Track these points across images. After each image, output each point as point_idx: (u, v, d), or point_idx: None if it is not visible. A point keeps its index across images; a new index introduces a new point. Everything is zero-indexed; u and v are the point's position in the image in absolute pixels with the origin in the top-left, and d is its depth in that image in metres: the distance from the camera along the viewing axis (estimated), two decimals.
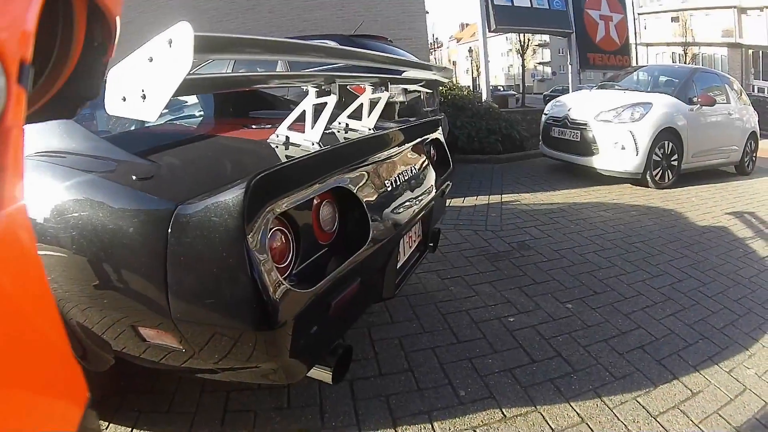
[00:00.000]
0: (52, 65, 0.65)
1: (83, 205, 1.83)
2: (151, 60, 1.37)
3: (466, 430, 2.25)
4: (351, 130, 2.69)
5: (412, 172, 2.63)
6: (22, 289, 0.47)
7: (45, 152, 2.18)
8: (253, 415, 2.36)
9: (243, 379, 1.88)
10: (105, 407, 2.39)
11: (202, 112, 4.04)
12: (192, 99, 4.24)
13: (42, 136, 2.27)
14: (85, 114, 3.39)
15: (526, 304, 3.47)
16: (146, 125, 3.72)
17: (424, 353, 2.83)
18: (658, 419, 2.35)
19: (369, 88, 2.68)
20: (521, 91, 37.11)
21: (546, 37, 48.12)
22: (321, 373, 1.89)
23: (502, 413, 2.35)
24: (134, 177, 1.79)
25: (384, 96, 2.73)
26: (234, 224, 1.47)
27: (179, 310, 1.59)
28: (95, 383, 2.35)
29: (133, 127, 3.65)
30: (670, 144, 7.65)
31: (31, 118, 0.66)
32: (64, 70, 0.67)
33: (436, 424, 2.28)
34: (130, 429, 2.27)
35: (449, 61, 76.68)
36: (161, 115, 4.02)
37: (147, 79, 1.38)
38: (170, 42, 1.32)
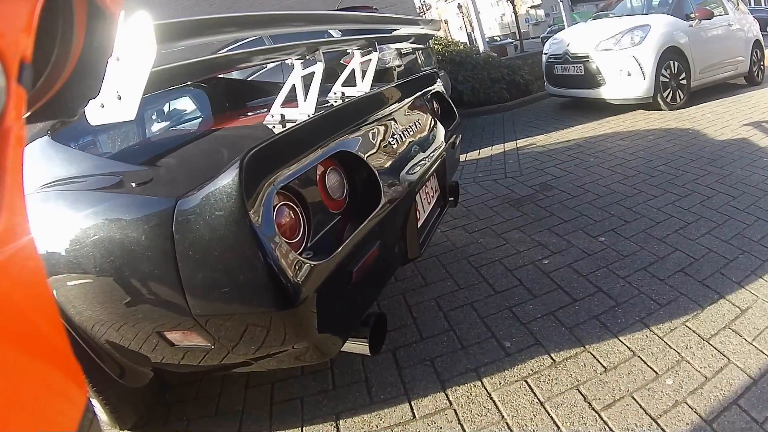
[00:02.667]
0: (52, 65, 0.65)
1: (96, 224, 1.83)
2: (118, 59, 1.34)
3: (516, 381, 2.20)
4: (347, 98, 2.61)
5: (417, 128, 2.55)
6: (22, 289, 0.47)
7: (51, 183, 2.19)
8: (300, 402, 2.35)
9: (280, 365, 1.84)
10: (153, 421, 2.40)
11: (199, 114, 4.04)
12: (189, 105, 4.26)
13: (45, 168, 2.28)
14: (87, 140, 3.42)
15: (558, 244, 3.41)
16: (147, 137, 3.75)
17: (462, 310, 2.78)
18: (710, 342, 2.28)
19: (357, 53, 2.60)
20: (518, 38, 36.68)
21: None
22: (357, 346, 1.84)
23: (551, 358, 2.31)
24: (133, 184, 1.77)
25: (374, 57, 2.65)
26: (234, 206, 1.41)
27: (198, 306, 1.56)
28: (138, 400, 2.37)
29: (133, 142, 3.67)
30: (676, 63, 7.48)
31: (31, 118, 0.67)
32: (64, 70, 0.67)
33: (485, 380, 2.24)
34: None
35: (440, 20, 76.22)
36: (161, 125, 4.07)
37: (119, 80, 1.35)
38: (131, 35, 1.30)
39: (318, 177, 1.81)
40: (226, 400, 2.46)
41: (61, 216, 2.05)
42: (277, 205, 1.57)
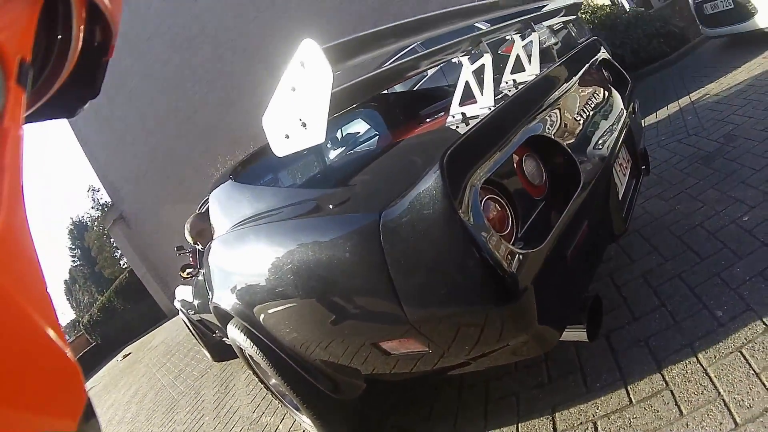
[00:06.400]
0: (51, 65, 0.66)
1: (294, 251, 1.91)
2: (294, 89, 1.40)
3: (730, 353, 2.04)
4: (520, 83, 2.56)
5: (595, 99, 2.46)
6: (20, 291, 0.47)
7: (242, 221, 2.32)
8: (515, 399, 2.34)
9: (496, 362, 1.82)
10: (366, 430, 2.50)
11: (376, 132, 4.13)
12: (363, 126, 4.38)
13: (234, 209, 2.42)
14: (270, 177, 3.61)
15: (755, 197, 3.13)
16: (330, 164, 3.89)
17: (671, 283, 2.64)
18: None
19: (517, 38, 2.55)
20: None
21: None
22: (575, 334, 1.78)
23: (764, 323, 2.11)
24: (330, 206, 1.83)
25: (534, 38, 2.60)
26: (442, 206, 1.41)
27: (414, 312, 1.57)
28: (349, 411, 2.46)
29: (316, 171, 3.81)
30: None
31: (31, 118, 0.68)
32: (64, 70, 0.68)
33: (700, 356, 2.10)
34: None
35: None
36: (339, 151, 4.22)
37: (299, 108, 1.40)
38: (302, 64, 1.34)
39: (515, 166, 1.78)
40: (441, 403, 2.50)
41: (258, 249, 2.16)
42: (482, 199, 1.56)
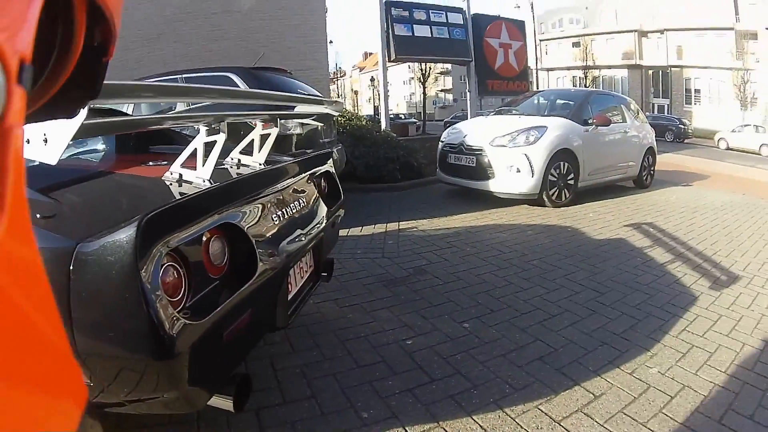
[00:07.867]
0: (52, 65, 0.66)
1: None
2: None
3: None
4: (243, 165, 2.78)
5: (301, 205, 2.72)
6: (22, 290, 0.47)
7: None
8: None
9: (150, 410, 1.90)
10: None
11: (105, 147, 3.99)
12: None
13: None
14: None
15: (423, 327, 3.51)
16: (54, 165, 3.69)
17: (326, 380, 2.88)
18: (561, 424, 2.43)
19: (259, 125, 2.76)
20: (422, 119, 37.09)
21: (448, 65, 48.50)
22: (223, 402, 1.94)
23: (405, 430, 2.40)
24: (38, 215, 1.80)
25: (273, 132, 2.83)
26: (128, 261, 1.52)
27: (84, 344, 1.62)
28: None
29: (43, 171, 3.62)
30: (566, 164, 7.88)
31: (31, 118, 0.67)
32: (64, 70, 0.67)
33: None
34: None
35: (351, 90, 77.49)
36: (67, 152, 4.00)
37: (48, 125, 1.46)
38: None
39: (203, 243, 1.92)
40: None
41: None
42: (164, 264, 1.67)
